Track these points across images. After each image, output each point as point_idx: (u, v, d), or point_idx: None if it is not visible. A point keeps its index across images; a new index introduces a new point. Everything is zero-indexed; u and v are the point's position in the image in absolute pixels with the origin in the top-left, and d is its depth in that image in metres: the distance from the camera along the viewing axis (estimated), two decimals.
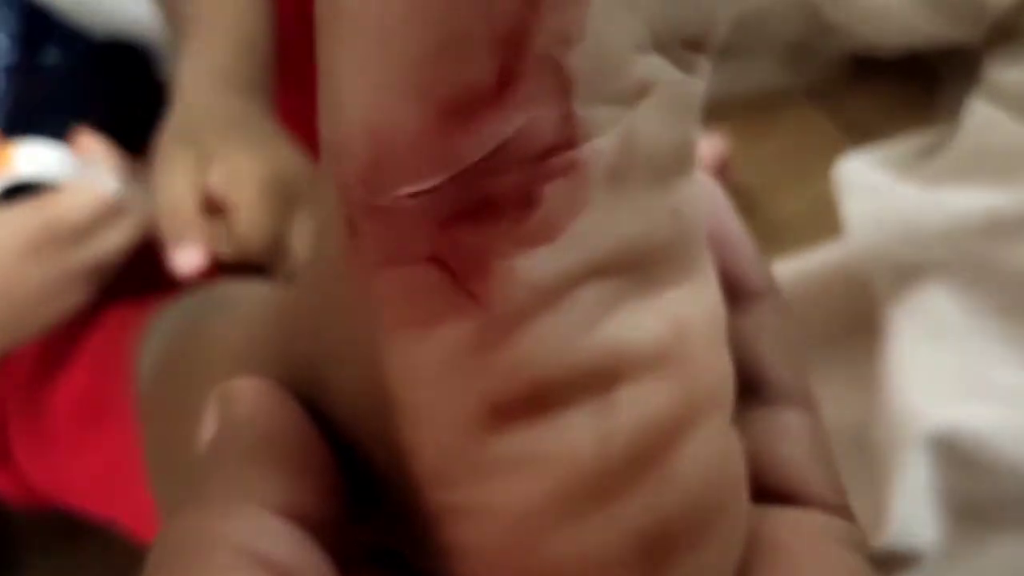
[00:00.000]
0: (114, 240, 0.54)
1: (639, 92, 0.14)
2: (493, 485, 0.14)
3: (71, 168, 0.54)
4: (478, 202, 0.13)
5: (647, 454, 0.14)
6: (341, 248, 0.14)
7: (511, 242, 0.14)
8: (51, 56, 0.59)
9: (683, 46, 0.14)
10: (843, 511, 0.17)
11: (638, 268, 0.14)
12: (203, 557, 0.14)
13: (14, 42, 0.60)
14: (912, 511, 0.40)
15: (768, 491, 0.17)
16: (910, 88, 0.55)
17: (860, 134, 0.56)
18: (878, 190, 0.47)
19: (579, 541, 0.14)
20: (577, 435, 0.14)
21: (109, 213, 0.53)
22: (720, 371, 0.16)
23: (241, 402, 0.17)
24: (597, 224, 0.14)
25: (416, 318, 0.14)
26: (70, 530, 0.76)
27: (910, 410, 0.41)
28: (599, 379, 0.14)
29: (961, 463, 0.40)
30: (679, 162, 0.15)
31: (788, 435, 0.18)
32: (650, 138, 0.14)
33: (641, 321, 0.14)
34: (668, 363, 0.14)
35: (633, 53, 0.14)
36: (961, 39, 0.52)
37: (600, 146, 0.14)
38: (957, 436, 0.40)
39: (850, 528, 0.17)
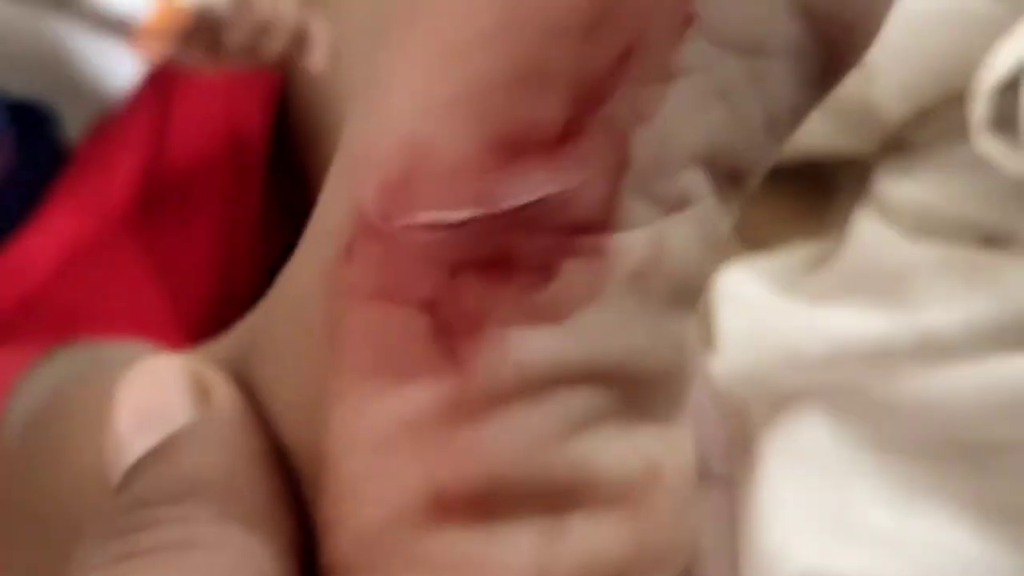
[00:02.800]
0: None
1: (678, 203, 0.13)
2: None
3: None
4: (494, 255, 0.12)
5: None
6: (325, 273, 0.13)
7: (515, 309, 0.12)
8: None
9: (728, 175, 0.13)
10: None
11: (632, 388, 0.13)
12: None
13: None
14: None
15: None
16: (807, 197, 0.53)
17: (756, 243, 0.54)
18: (755, 305, 0.44)
19: None
20: (516, 554, 0.13)
21: None
22: (678, 535, 0.14)
23: (221, 399, 0.15)
24: (605, 324, 0.13)
25: (384, 367, 0.13)
26: None
27: (777, 551, 0.38)
28: (556, 497, 0.13)
29: None
30: (694, 294, 0.14)
31: None
32: (677, 254, 0.13)
33: (617, 449, 0.13)
34: (630, 505, 0.13)
35: (688, 160, 0.13)
36: (853, 149, 0.50)
37: (630, 241, 0.13)
38: None
39: None
